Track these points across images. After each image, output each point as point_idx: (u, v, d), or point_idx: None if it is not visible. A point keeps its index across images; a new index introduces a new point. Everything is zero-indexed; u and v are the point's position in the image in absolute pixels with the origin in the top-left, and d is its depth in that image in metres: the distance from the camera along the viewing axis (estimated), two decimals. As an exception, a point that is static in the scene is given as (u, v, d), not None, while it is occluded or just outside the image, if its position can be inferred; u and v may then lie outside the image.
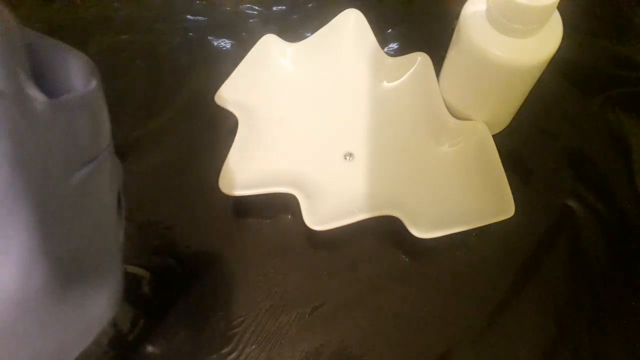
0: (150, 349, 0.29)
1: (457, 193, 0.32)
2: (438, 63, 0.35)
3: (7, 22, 0.14)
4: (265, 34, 0.36)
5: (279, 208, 0.33)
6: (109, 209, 0.18)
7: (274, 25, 0.42)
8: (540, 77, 0.31)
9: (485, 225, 0.29)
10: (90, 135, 0.17)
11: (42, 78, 0.15)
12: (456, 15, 0.30)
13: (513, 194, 0.30)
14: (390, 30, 0.42)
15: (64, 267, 0.14)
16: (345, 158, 0.34)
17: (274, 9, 0.43)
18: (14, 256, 0.13)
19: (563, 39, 0.28)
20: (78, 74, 0.17)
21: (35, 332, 0.14)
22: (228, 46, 0.41)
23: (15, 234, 0.13)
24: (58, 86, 0.16)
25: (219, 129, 0.36)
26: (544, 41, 0.28)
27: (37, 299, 0.14)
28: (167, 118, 0.37)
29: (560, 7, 0.27)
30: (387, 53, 0.37)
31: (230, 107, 0.33)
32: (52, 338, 0.15)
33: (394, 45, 0.41)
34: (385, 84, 0.37)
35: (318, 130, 0.35)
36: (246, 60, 0.35)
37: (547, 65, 0.29)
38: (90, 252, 0.16)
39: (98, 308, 0.17)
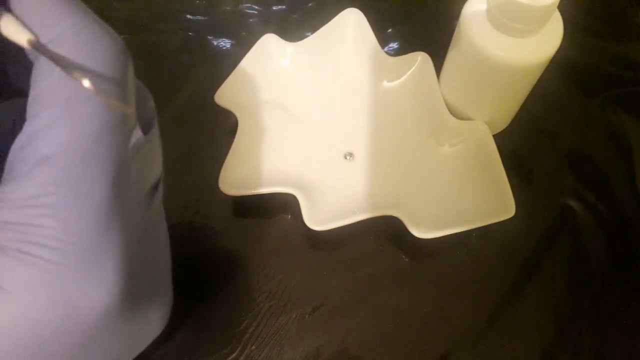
0: (149, 349, 0.29)
1: (458, 193, 0.32)
2: (438, 63, 0.35)
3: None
4: (265, 33, 0.36)
5: (279, 208, 0.33)
6: (163, 231, 0.20)
7: (274, 25, 0.42)
8: (541, 76, 0.31)
9: (486, 225, 0.29)
10: (152, 166, 0.18)
11: None
12: (456, 15, 0.30)
13: (513, 193, 0.29)
14: (390, 30, 0.42)
15: (134, 288, 0.16)
16: (346, 158, 0.34)
17: (274, 8, 0.43)
18: (106, 277, 0.14)
19: (563, 38, 0.28)
20: (145, 105, 0.18)
21: (104, 343, 0.16)
22: (228, 46, 0.41)
23: (109, 256, 0.15)
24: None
25: (219, 129, 0.36)
26: (544, 41, 0.28)
27: (111, 315, 0.15)
28: (167, 118, 0.37)
29: (560, 7, 0.27)
30: (387, 53, 0.37)
31: (230, 107, 0.33)
32: (114, 349, 0.16)
33: (394, 45, 0.41)
34: (385, 83, 0.37)
35: (318, 130, 0.35)
36: (246, 59, 0.35)
37: (548, 65, 0.29)
38: (153, 273, 0.18)
39: (154, 323, 0.18)
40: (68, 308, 0.14)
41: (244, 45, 0.37)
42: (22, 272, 0.13)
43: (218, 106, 0.33)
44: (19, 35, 0.14)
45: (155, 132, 0.18)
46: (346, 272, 0.31)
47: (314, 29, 0.37)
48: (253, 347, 0.29)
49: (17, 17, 0.14)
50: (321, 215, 0.29)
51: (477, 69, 0.30)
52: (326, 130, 0.35)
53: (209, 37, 0.41)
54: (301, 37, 0.38)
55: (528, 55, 0.28)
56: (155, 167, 0.19)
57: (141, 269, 0.16)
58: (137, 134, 0.16)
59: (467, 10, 0.29)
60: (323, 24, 0.37)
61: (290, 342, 0.29)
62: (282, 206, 0.33)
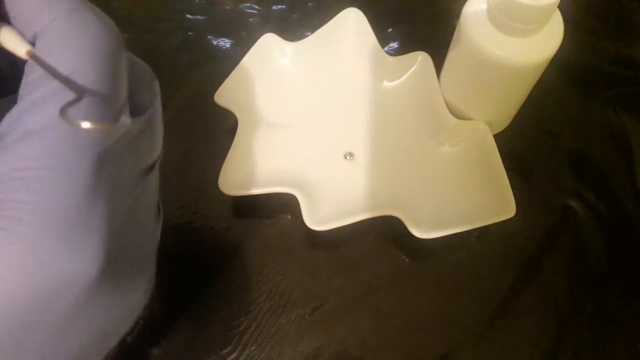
0: (149, 349, 0.29)
1: (458, 193, 0.32)
2: (439, 62, 0.35)
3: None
4: (265, 33, 0.36)
5: (279, 208, 0.33)
6: (152, 210, 0.20)
7: (274, 25, 0.42)
8: (541, 76, 0.31)
9: (486, 225, 0.29)
10: (150, 147, 0.18)
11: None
12: (457, 15, 0.30)
13: (514, 193, 0.29)
14: (390, 30, 0.42)
15: (117, 260, 0.16)
16: (346, 158, 0.34)
17: (274, 7, 0.43)
18: (90, 249, 0.15)
19: (564, 38, 0.28)
20: (144, 86, 0.18)
21: (86, 318, 0.16)
22: (227, 45, 0.41)
23: (92, 231, 0.15)
24: (130, 98, 0.17)
25: (219, 129, 0.36)
26: (544, 41, 0.28)
27: (92, 289, 0.15)
28: (167, 117, 0.36)
29: (561, 7, 0.27)
30: (387, 52, 0.37)
31: (230, 107, 0.33)
32: (102, 321, 0.17)
33: (394, 45, 0.41)
34: (385, 83, 0.37)
35: (318, 130, 0.35)
36: (246, 59, 0.35)
37: (548, 64, 0.29)
38: (136, 248, 0.18)
39: (138, 296, 0.18)
40: (45, 282, 0.14)
41: (243, 45, 0.36)
42: None
43: (218, 106, 0.33)
44: (18, 47, 0.15)
45: (156, 112, 0.19)
46: (346, 272, 0.31)
47: (314, 28, 0.37)
48: (253, 347, 0.29)
49: (9, 3, 0.15)
50: (321, 215, 0.29)
51: (477, 68, 0.30)
52: (326, 130, 0.35)
53: (208, 36, 0.41)
54: (301, 36, 0.38)
55: (528, 55, 0.28)
56: (155, 147, 0.19)
57: (127, 245, 0.17)
58: (126, 116, 0.16)
59: (468, 9, 0.29)
60: (323, 23, 0.37)
61: (290, 342, 0.29)
62: (282, 206, 0.33)
